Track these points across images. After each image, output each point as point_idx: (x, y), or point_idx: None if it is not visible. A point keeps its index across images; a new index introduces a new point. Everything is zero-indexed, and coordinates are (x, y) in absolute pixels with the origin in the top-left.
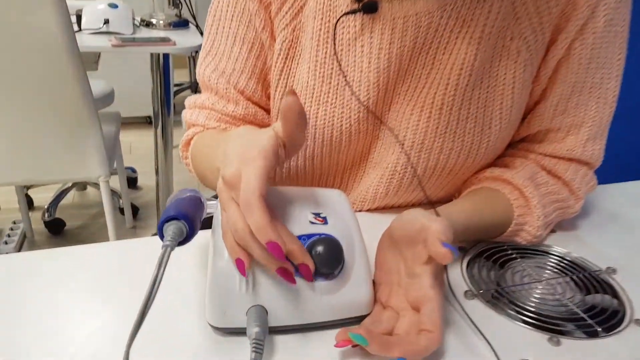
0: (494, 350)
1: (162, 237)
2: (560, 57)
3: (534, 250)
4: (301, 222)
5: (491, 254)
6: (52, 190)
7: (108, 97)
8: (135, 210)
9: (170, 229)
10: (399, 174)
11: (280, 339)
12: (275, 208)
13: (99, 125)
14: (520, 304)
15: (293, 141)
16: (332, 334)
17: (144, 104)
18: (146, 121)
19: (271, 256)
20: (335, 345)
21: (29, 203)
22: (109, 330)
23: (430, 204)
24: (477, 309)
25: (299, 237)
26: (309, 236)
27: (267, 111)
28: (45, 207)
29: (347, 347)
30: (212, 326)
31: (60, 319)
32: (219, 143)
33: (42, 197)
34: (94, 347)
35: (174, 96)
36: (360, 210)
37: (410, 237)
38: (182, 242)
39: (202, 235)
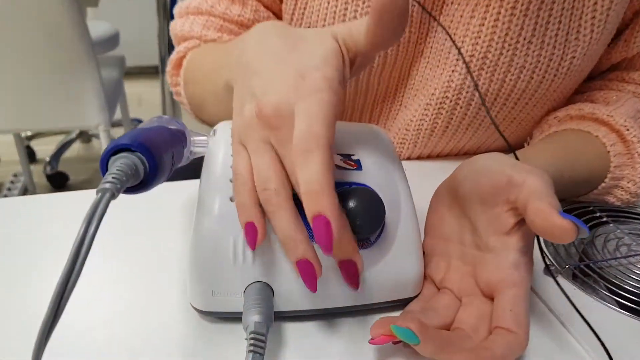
0: (605, 349)
1: (104, 174)
2: None
3: (630, 213)
4: None
5: None
6: (55, 142)
7: (112, 40)
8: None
9: (117, 164)
10: (451, 100)
11: (291, 329)
12: None
13: (97, 68)
14: (620, 284)
15: (367, 59)
16: (364, 324)
17: (155, 53)
18: (157, 71)
19: (303, 237)
20: (370, 342)
21: (31, 155)
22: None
23: (510, 150)
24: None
25: None
26: (335, 186)
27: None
28: (47, 159)
29: (385, 343)
30: (196, 309)
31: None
32: (228, 50)
33: (45, 149)
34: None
35: None
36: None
37: (486, 193)
38: (135, 188)
39: (188, 186)
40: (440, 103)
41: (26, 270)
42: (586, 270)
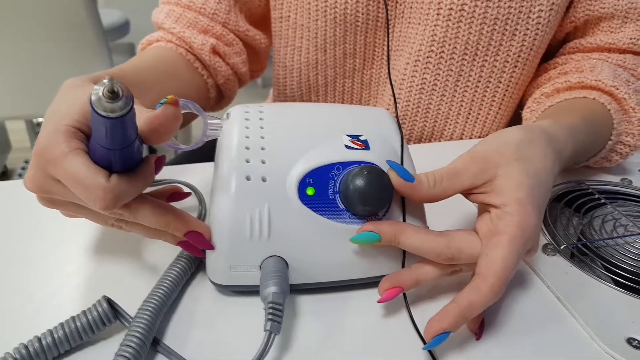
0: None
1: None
2: None
3: (627, 195)
4: (333, 147)
5: (572, 199)
6: None
7: (122, 28)
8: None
9: None
10: (436, 54)
11: (304, 302)
12: (299, 127)
13: (109, 55)
14: (616, 263)
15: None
16: (373, 295)
17: None
18: None
19: (174, 215)
20: (379, 300)
21: None
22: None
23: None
24: (559, 268)
25: (332, 165)
26: (345, 165)
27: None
28: None
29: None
30: (214, 283)
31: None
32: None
33: None
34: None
35: None
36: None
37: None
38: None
39: (204, 168)
40: (427, 57)
41: (36, 252)
42: (584, 249)
